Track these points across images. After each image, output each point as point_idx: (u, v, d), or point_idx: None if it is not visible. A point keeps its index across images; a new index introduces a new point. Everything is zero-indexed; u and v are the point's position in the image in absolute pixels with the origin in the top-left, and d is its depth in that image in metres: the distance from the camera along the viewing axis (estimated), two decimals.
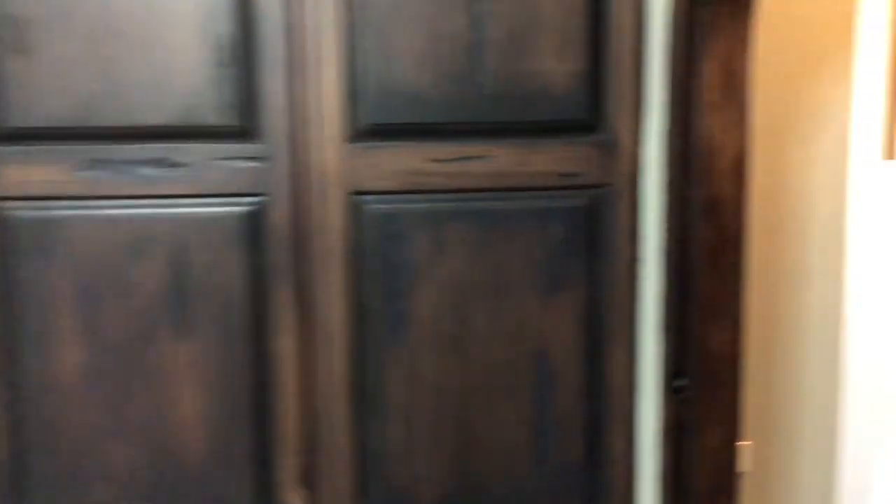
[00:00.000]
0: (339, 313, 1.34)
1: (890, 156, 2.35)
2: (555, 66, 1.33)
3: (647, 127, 1.37)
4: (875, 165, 2.26)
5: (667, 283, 1.40)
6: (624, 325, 1.40)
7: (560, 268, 1.37)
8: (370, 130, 1.32)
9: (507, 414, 1.39)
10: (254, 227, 1.32)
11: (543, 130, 1.35)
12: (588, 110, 1.35)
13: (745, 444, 1.82)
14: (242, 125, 1.30)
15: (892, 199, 2.48)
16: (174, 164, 1.30)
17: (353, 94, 1.31)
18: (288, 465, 1.37)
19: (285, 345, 1.35)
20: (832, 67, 2.06)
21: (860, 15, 2.04)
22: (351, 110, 1.31)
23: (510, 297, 1.37)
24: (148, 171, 1.30)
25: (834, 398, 2.19)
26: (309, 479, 1.37)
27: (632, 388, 1.42)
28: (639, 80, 1.36)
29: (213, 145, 1.31)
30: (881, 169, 2.31)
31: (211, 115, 1.29)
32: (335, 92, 1.30)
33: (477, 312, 1.36)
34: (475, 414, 1.38)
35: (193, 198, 1.32)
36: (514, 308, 1.37)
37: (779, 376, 2.25)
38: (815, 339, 2.18)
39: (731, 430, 1.45)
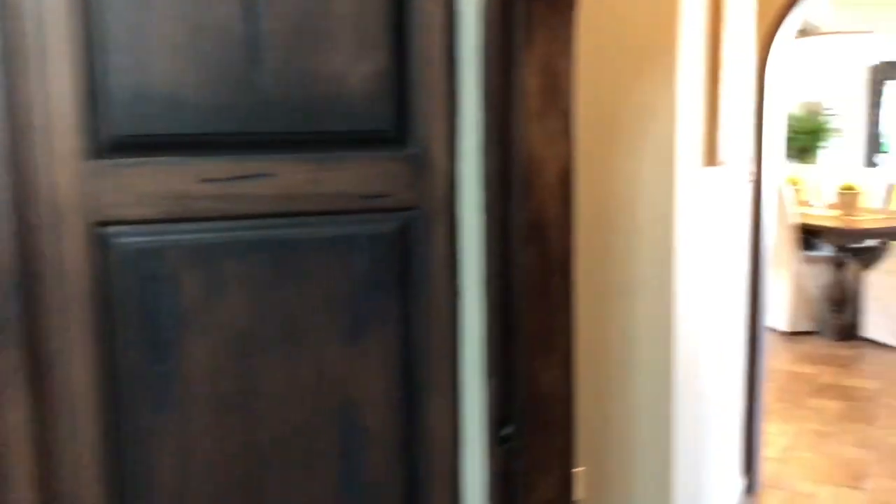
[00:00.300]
0: (85, 376, 1.06)
1: (710, 162, 2.32)
2: (351, 65, 1.11)
3: (462, 139, 1.19)
4: (696, 172, 2.22)
5: (490, 318, 1.21)
6: (444, 369, 1.21)
7: (367, 306, 1.16)
8: (119, 144, 1.04)
9: (308, 484, 1.16)
10: None
11: (340, 143, 1.13)
12: (393, 119, 1.15)
13: (578, 471, 1.68)
14: None
15: (710, 208, 2.46)
16: None
17: (94, 96, 1.02)
18: None
19: (15, 419, 1.04)
20: (657, 69, 1.98)
21: (681, 15, 1.97)
22: (91, 118, 1.02)
23: (307, 345, 1.13)
24: None
25: (667, 417, 2.12)
26: None
27: (455, 440, 1.22)
28: (451, 84, 1.17)
29: None
30: (700, 175, 2.28)
31: None
32: (69, 93, 1.01)
33: (266, 366, 1.12)
34: (269, 488, 1.14)
35: None
36: (312, 357, 1.14)
37: (610, 397, 2.16)
38: (646, 355, 2.10)
39: (565, 479, 1.29)
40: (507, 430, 1.24)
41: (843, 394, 4.64)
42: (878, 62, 7.88)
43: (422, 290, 1.18)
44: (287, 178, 1.10)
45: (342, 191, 1.13)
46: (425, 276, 1.18)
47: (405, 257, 1.17)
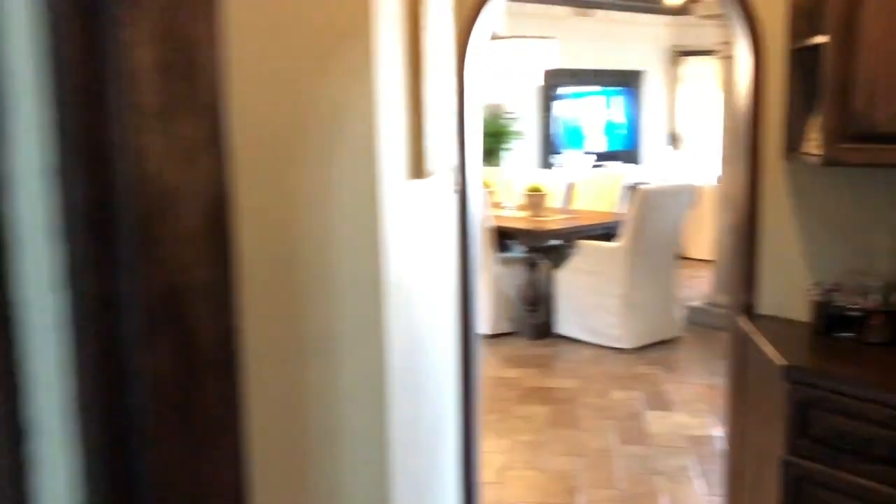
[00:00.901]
0: None
1: (417, 174, 1.95)
2: None
3: (12, 156, 0.64)
4: (402, 187, 1.83)
5: (89, 481, 0.68)
6: None
7: None
8: None
9: None
10: None
11: None
12: None
13: None
14: None
15: (419, 227, 2.10)
16: None
17: None
18: None
19: None
20: (350, 55, 1.55)
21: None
22: None
23: None
24: None
25: (383, 485, 1.71)
26: None
27: None
28: None
29: None
30: (407, 190, 1.90)
31: None
32: None
33: None
34: None
35: None
36: None
37: (309, 477, 1.69)
38: (355, 420, 1.67)
39: None
40: None
41: (547, 397, 4.64)
42: (551, 68, 8.31)
43: None
44: None
45: None
46: None
47: None
